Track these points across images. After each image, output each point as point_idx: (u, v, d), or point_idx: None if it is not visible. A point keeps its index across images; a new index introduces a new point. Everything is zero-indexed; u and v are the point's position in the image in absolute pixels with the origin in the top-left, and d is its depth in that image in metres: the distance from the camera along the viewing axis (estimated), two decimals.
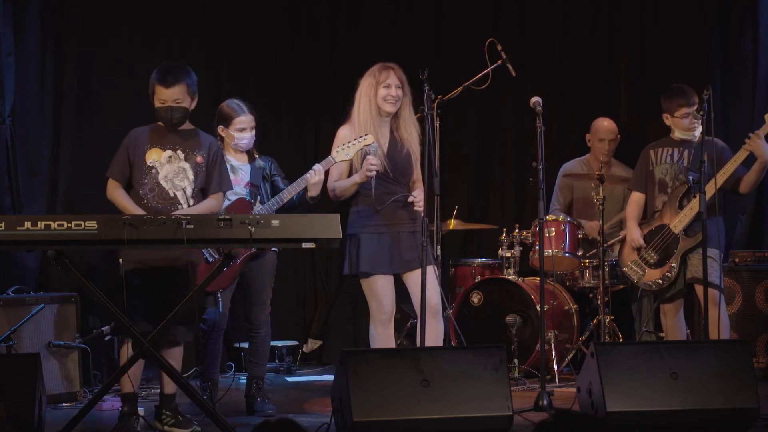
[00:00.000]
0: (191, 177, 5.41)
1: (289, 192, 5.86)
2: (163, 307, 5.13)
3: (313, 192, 5.85)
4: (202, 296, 5.54)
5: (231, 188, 5.73)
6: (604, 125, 7.52)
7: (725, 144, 6.42)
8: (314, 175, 5.80)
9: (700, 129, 6.08)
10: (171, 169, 5.39)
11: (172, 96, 5.36)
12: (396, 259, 5.71)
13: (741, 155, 6.07)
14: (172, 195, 5.37)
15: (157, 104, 5.40)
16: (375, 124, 5.75)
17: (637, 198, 6.53)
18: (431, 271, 5.66)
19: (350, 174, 5.78)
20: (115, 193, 5.40)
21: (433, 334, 5.62)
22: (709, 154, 5.78)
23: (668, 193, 6.31)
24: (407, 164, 5.83)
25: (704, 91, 5.88)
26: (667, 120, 6.45)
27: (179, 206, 5.37)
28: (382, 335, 5.72)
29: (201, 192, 5.45)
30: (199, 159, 5.43)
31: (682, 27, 7.72)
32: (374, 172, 5.64)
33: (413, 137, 5.85)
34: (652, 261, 6.32)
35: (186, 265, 5.33)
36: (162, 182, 5.37)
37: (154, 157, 5.39)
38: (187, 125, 5.48)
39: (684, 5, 7.73)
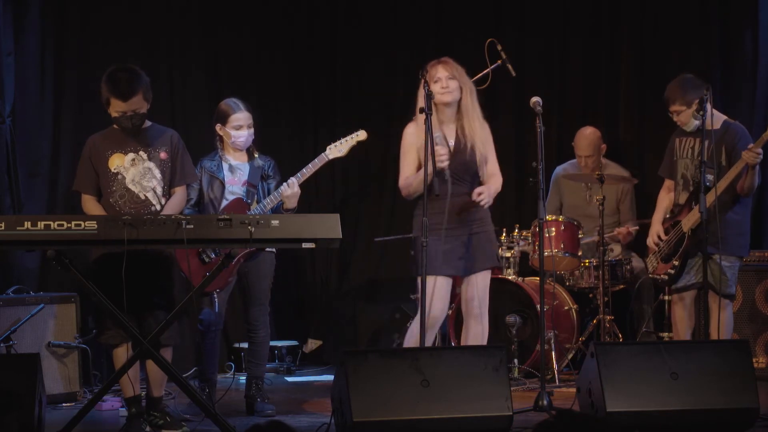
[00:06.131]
0: (158, 176, 5.35)
1: (270, 202, 5.84)
2: (139, 296, 5.09)
3: (289, 204, 5.79)
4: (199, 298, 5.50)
5: (195, 179, 5.70)
6: (585, 136, 7.39)
7: (745, 129, 6.22)
8: (287, 189, 5.77)
9: (696, 122, 6.03)
10: (137, 172, 5.33)
11: (130, 107, 5.25)
12: (458, 262, 5.56)
13: (740, 165, 5.99)
14: (143, 197, 5.32)
15: (114, 114, 5.29)
16: (438, 121, 5.58)
17: (669, 185, 6.39)
18: (485, 275, 5.62)
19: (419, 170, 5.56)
20: (91, 207, 5.33)
21: (471, 334, 5.61)
22: (719, 143, 5.78)
23: (690, 190, 6.21)
24: (471, 162, 5.64)
25: (704, 91, 5.87)
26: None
27: (152, 207, 5.31)
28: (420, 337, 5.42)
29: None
30: (163, 155, 5.36)
31: (682, 27, 7.72)
32: (445, 162, 5.49)
33: (477, 132, 5.65)
34: (663, 255, 6.28)
35: (159, 253, 5.26)
36: (130, 186, 5.31)
37: (118, 162, 5.32)
38: (145, 123, 5.39)
39: (684, 5, 7.72)
